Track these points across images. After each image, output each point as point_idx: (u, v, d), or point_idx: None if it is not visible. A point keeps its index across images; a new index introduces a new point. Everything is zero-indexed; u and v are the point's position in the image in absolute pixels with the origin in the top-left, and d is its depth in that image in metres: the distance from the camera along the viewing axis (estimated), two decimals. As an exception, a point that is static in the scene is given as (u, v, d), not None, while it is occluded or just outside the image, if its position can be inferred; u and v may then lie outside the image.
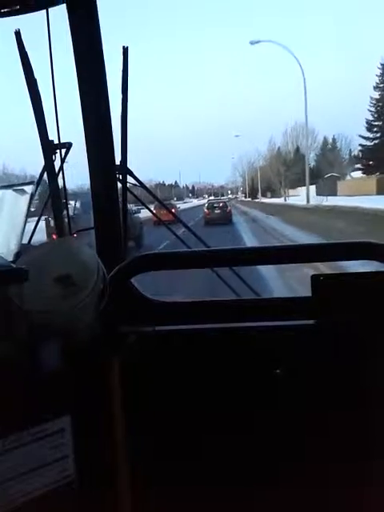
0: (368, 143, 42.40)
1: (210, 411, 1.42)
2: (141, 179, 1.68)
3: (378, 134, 40.71)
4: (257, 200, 47.90)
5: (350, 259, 1.67)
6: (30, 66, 1.54)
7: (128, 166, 1.62)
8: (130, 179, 1.65)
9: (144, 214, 14.01)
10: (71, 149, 1.62)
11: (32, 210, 1.57)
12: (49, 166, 1.63)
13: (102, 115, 1.55)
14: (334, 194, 33.53)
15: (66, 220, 1.68)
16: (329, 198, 28.62)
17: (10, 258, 1.46)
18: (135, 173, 1.64)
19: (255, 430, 1.41)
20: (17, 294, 1.21)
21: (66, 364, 1.26)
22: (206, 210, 24.75)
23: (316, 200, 27.63)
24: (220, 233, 15.29)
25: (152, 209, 2.11)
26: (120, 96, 1.57)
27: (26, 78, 1.56)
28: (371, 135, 42.24)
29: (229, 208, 25.77)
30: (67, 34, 1.49)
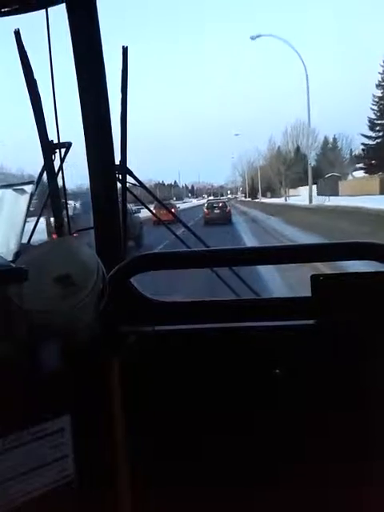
0: (370, 142, 41.85)
1: (210, 411, 1.42)
2: (140, 179, 1.68)
3: (381, 133, 39.98)
4: (257, 200, 47.84)
5: (350, 259, 1.67)
6: (30, 66, 1.54)
7: (128, 165, 1.62)
8: (129, 179, 1.65)
9: (144, 213, 14.00)
10: (70, 149, 1.62)
11: (31, 209, 1.57)
12: (48, 165, 1.62)
13: (102, 115, 1.55)
14: (335, 193, 33.37)
15: (66, 220, 1.68)
16: (331, 197, 28.45)
17: (10, 258, 1.46)
18: (135, 173, 1.64)
19: (255, 430, 1.41)
20: (16, 294, 1.21)
21: (66, 364, 1.26)
22: (205, 210, 24.75)
23: (317, 200, 27.48)
24: (219, 233, 15.26)
25: (152, 209, 2.11)
26: (119, 96, 1.57)
27: (25, 77, 1.56)
28: (374, 134, 41.72)
29: (228, 208, 25.77)
30: (67, 33, 1.49)
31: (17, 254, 1.50)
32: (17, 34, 1.53)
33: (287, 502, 1.36)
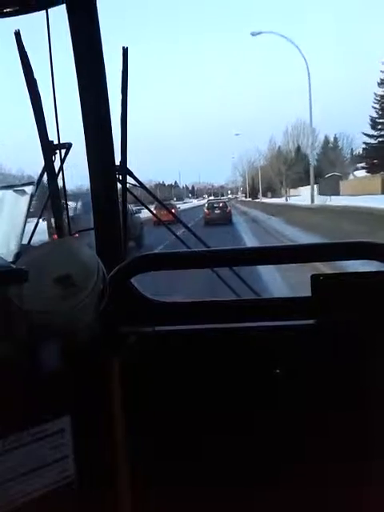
0: (372, 141, 41.45)
1: (210, 411, 1.42)
2: (140, 179, 1.68)
3: (383, 132, 39.70)
4: (257, 200, 47.80)
5: (350, 259, 1.67)
6: (30, 67, 1.54)
7: (128, 166, 1.62)
8: (129, 179, 1.65)
9: (144, 214, 13.99)
10: (70, 149, 1.62)
11: (31, 210, 1.57)
12: (48, 166, 1.63)
13: (102, 115, 1.55)
14: (336, 193, 33.21)
15: (66, 220, 1.68)
16: (332, 197, 28.30)
17: (10, 259, 1.46)
18: (135, 173, 1.64)
19: (255, 429, 1.41)
20: (17, 295, 1.21)
21: (66, 364, 1.26)
22: (205, 210, 24.76)
23: (319, 200, 27.33)
24: (220, 233, 15.22)
25: (152, 209, 2.11)
26: (120, 96, 1.57)
27: (25, 78, 1.56)
28: (375, 133, 41.31)
29: (229, 208, 25.77)
30: (67, 34, 1.49)
31: (17, 255, 1.50)
32: (17, 34, 1.53)
33: (287, 502, 1.36)
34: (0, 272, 1.20)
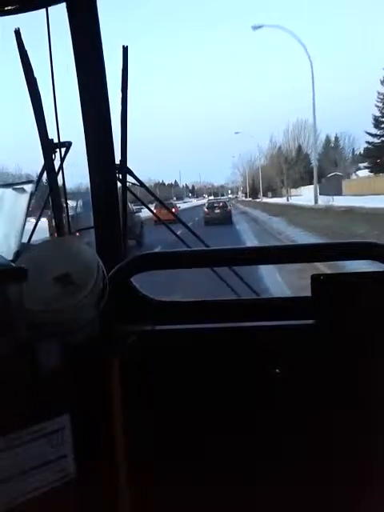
0: (375, 140, 41.03)
1: (210, 410, 1.42)
2: (140, 178, 1.68)
3: (387, 131, 39.51)
4: (258, 200, 47.77)
5: (350, 259, 1.67)
6: (30, 65, 1.54)
7: (128, 165, 1.62)
8: (129, 178, 1.65)
9: (145, 213, 13.99)
10: (70, 148, 1.62)
11: (29, 209, 1.57)
12: (48, 164, 1.62)
13: (102, 114, 1.55)
14: (338, 193, 33.00)
15: (66, 219, 1.68)
16: (335, 197, 28.05)
17: (10, 257, 1.46)
18: (135, 172, 1.64)
19: (254, 429, 1.41)
20: (16, 293, 1.21)
21: (66, 363, 1.26)
22: (205, 210, 24.77)
23: (322, 200, 27.13)
24: (219, 234, 15.08)
25: (152, 208, 2.11)
26: (120, 95, 1.57)
27: (25, 76, 1.56)
28: (379, 132, 40.93)
29: (229, 208, 25.79)
30: (67, 32, 1.49)
31: (17, 254, 1.50)
32: (17, 33, 1.53)
33: (287, 501, 1.36)
34: (0, 270, 1.20)
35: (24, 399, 1.18)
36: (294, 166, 45.54)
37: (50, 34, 1.53)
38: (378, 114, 39.91)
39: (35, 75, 1.56)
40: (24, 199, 1.56)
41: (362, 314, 1.36)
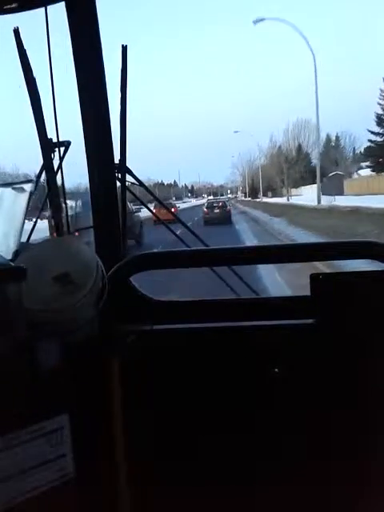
0: (378, 139, 40.49)
1: (209, 410, 1.42)
2: (139, 178, 1.68)
3: (390, 129, 38.86)
4: (258, 200, 47.71)
5: (350, 258, 1.67)
6: (29, 64, 1.54)
7: (127, 164, 1.61)
8: (129, 178, 1.65)
9: (144, 213, 13.98)
10: (69, 147, 1.62)
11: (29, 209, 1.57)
12: (47, 164, 1.62)
13: (101, 114, 1.55)
14: (340, 193, 32.79)
15: (65, 219, 1.68)
16: (336, 197, 27.80)
17: (9, 257, 1.46)
18: (134, 172, 1.64)
19: (253, 428, 1.41)
20: (16, 293, 1.21)
21: (65, 362, 1.26)
22: (205, 210, 24.79)
23: (324, 200, 26.92)
24: (219, 234, 15.00)
25: (152, 208, 2.11)
26: (119, 94, 1.57)
27: (24, 75, 1.55)
28: (381, 130, 40.42)
29: (228, 208, 25.81)
30: (66, 31, 1.49)
31: (16, 253, 1.50)
32: (16, 32, 1.53)
33: (287, 500, 1.36)
34: None
35: (23, 399, 1.18)
36: (294, 165, 45.49)
37: (48, 33, 1.53)
38: (380, 111, 39.49)
39: (34, 74, 1.56)
40: (23, 198, 1.55)
41: (362, 314, 1.36)
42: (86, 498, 1.31)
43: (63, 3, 1.47)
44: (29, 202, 1.55)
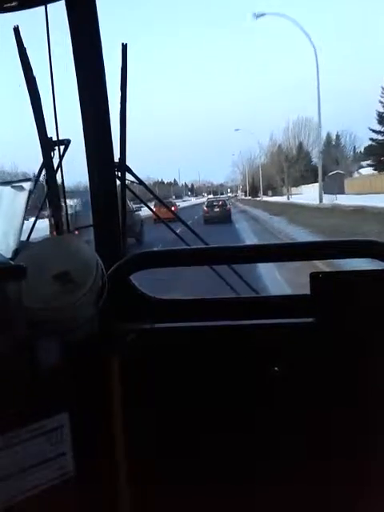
0: (379, 137, 40.12)
1: (209, 408, 1.42)
2: (139, 177, 1.68)
3: (392, 127, 38.34)
4: (258, 198, 47.64)
5: (349, 257, 1.67)
6: (29, 63, 1.54)
7: (127, 163, 1.61)
8: (128, 176, 1.65)
9: (145, 211, 13.98)
10: (69, 146, 1.62)
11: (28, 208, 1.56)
12: (47, 162, 1.62)
13: (101, 112, 1.55)
14: (340, 192, 32.62)
15: (65, 217, 1.68)
16: (338, 196, 27.55)
17: (9, 255, 1.46)
18: (134, 170, 1.64)
19: (254, 427, 1.41)
20: (16, 291, 1.21)
21: (65, 361, 1.26)
22: (205, 208, 24.80)
23: (325, 198, 26.76)
24: (219, 232, 14.91)
25: (152, 207, 2.11)
26: (119, 93, 1.57)
27: (24, 74, 1.55)
28: (383, 128, 40.09)
29: (228, 206, 25.81)
30: (66, 30, 1.49)
31: (16, 252, 1.50)
32: (16, 30, 1.53)
33: (287, 499, 1.36)
34: None
35: (23, 397, 1.18)
36: (294, 164, 45.44)
37: (48, 31, 1.53)
38: (381, 109, 39.20)
39: (34, 73, 1.56)
40: (23, 197, 1.55)
41: (362, 312, 1.36)
42: (86, 497, 1.31)
43: (63, 2, 1.47)
44: (28, 201, 1.55)
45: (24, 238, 1.60)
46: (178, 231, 1.78)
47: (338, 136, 49.09)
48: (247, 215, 27.56)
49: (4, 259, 1.29)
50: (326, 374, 1.38)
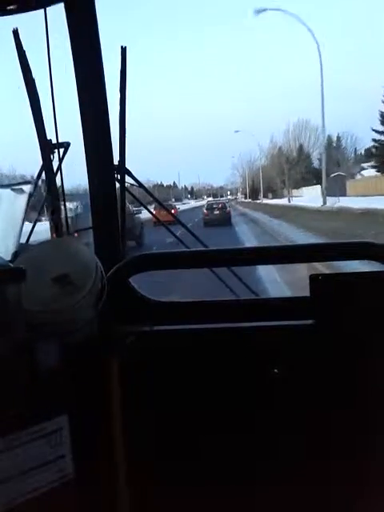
0: (382, 138, 39.76)
1: (208, 410, 1.42)
2: (139, 180, 1.68)
3: (395, 127, 37.86)
4: (258, 201, 47.61)
5: (349, 259, 1.67)
6: (28, 65, 1.54)
7: (126, 165, 1.62)
8: (128, 179, 1.65)
9: (145, 214, 13.96)
10: (68, 149, 1.62)
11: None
12: (47, 165, 1.62)
13: (101, 115, 1.55)
14: (342, 194, 32.43)
15: (65, 220, 1.68)
16: (340, 198, 27.33)
17: (8, 258, 1.46)
18: (133, 173, 1.64)
19: (253, 428, 1.41)
20: (15, 294, 1.21)
21: (64, 363, 1.26)
22: (205, 211, 24.81)
23: (327, 201, 26.58)
24: (218, 234, 14.84)
25: (152, 210, 2.11)
26: (118, 96, 1.57)
27: (24, 77, 1.55)
28: None
29: (228, 209, 25.82)
30: (66, 33, 1.49)
31: (15, 254, 1.50)
32: (15, 33, 1.53)
33: (287, 500, 1.36)
34: None
35: (23, 400, 1.18)
36: (295, 166, 45.43)
37: (48, 34, 1.53)
38: (384, 110, 38.89)
39: (33, 75, 1.56)
40: (22, 199, 1.55)
41: (361, 314, 1.36)
42: (85, 499, 1.31)
43: (62, 4, 1.47)
44: (28, 203, 1.55)
45: (23, 240, 1.60)
46: (177, 234, 1.79)
47: (338, 138, 49.04)
48: (247, 218, 27.57)
49: (3, 261, 1.29)
50: (325, 376, 1.37)
